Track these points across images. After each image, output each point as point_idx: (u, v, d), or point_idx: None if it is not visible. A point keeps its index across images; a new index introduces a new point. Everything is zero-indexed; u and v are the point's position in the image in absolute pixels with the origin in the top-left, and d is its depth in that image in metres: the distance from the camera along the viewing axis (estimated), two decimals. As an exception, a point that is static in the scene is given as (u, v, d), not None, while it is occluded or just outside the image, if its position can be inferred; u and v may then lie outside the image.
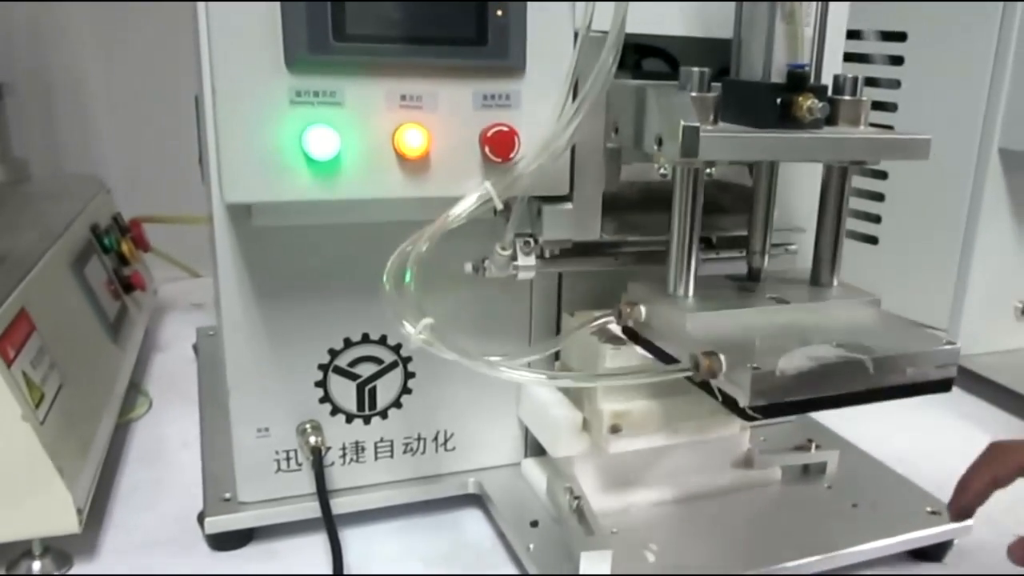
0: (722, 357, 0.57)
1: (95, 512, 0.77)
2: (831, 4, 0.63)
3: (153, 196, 1.41)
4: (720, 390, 0.58)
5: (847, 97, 0.63)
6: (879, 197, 1.20)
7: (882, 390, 0.59)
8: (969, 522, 0.75)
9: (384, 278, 0.60)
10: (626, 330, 0.69)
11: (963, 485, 0.66)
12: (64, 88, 1.47)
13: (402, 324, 0.60)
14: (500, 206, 0.62)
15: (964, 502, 0.66)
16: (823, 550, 0.71)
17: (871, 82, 1.16)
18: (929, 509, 0.77)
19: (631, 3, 0.59)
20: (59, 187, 1.26)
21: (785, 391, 0.56)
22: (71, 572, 0.71)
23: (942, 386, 0.61)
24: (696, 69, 0.60)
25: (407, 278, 0.61)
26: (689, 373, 0.59)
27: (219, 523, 0.73)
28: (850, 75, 0.63)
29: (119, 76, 1.47)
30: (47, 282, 0.84)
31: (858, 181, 1.19)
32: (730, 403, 0.58)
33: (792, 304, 0.66)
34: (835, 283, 0.70)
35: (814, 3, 0.61)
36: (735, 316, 0.64)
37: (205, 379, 1.04)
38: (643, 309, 0.66)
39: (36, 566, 0.70)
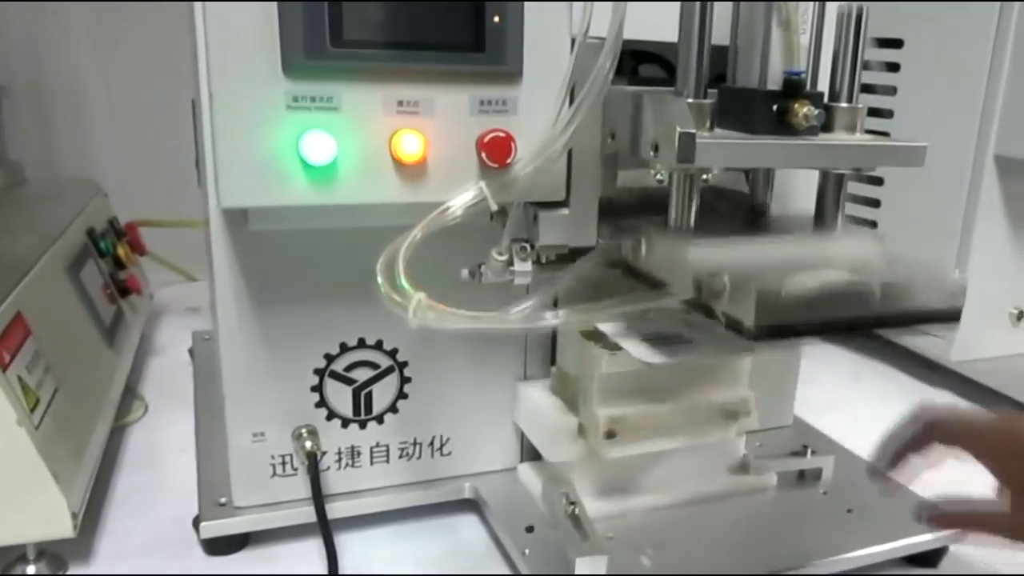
0: (725, 277, 0.56)
1: (90, 516, 0.77)
2: (827, 9, 0.63)
3: (149, 200, 1.41)
4: (724, 314, 0.57)
5: (843, 104, 0.63)
6: (875, 203, 1.20)
7: (888, 317, 0.58)
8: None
9: (377, 267, 0.60)
10: (626, 268, 0.67)
11: (882, 445, 0.65)
12: (61, 91, 1.47)
13: (397, 307, 0.59)
14: (495, 207, 0.62)
15: (878, 462, 0.64)
16: (818, 555, 0.71)
17: (867, 88, 1.16)
18: (924, 515, 0.77)
19: (629, 7, 0.58)
20: (55, 190, 1.26)
21: (790, 313, 0.55)
22: (65, 577, 0.71)
23: (949, 316, 0.59)
24: (692, 75, 0.60)
25: (400, 268, 0.60)
26: (692, 296, 0.58)
27: (214, 527, 0.73)
28: (847, 82, 0.64)
29: (116, 79, 1.47)
30: (43, 286, 0.84)
31: (854, 187, 1.19)
32: (734, 326, 0.56)
33: (796, 237, 0.65)
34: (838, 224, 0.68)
35: (811, 8, 0.61)
36: (738, 247, 0.63)
37: (201, 383, 1.04)
38: (643, 244, 0.65)
39: (31, 570, 0.70)
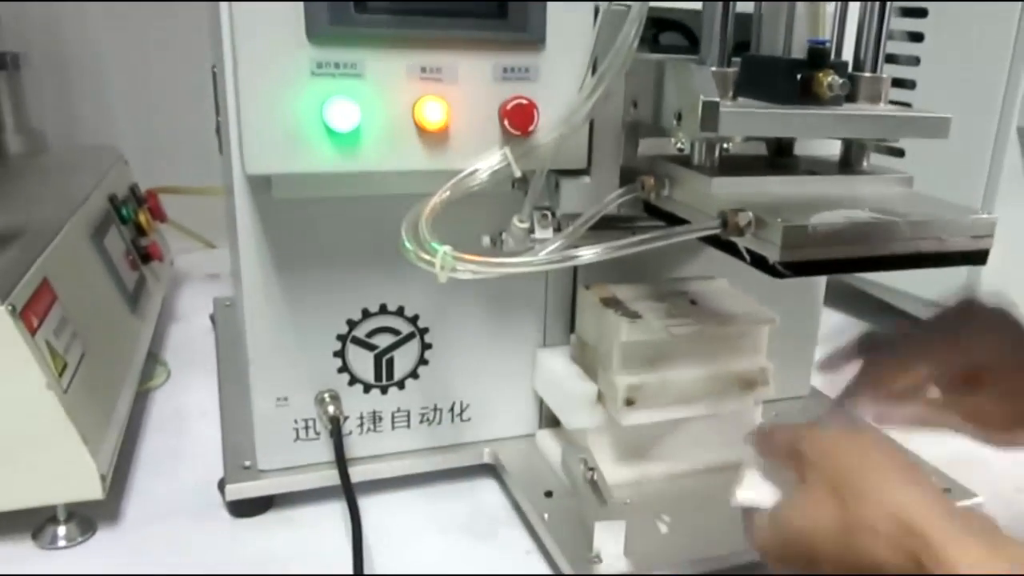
0: (750, 213, 0.55)
1: (117, 480, 0.78)
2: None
3: (168, 167, 1.41)
4: (748, 250, 0.57)
5: (867, 74, 0.63)
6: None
7: (916, 256, 0.57)
8: (979, 499, 0.76)
9: (402, 226, 0.60)
10: (647, 206, 0.67)
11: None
12: (79, 59, 1.48)
13: (424, 264, 0.58)
14: (518, 173, 0.63)
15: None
16: (834, 524, 0.72)
17: (890, 59, 1.15)
18: (940, 487, 0.77)
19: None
20: (76, 158, 1.27)
21: (817, 248, 0.54)
22: (95, 537, 0.72)
23: (977, 257, 0.59)
24: (716, 44, 0.60)
25: (425, 225, 0.59)
26: (716, 231, 0.57)
27: (239, 490, 0.74)
28: (871, 51, 0.63)
29: (134, 47, 1.47)
30: (68, 253, 0.85)
31: (875, 159, 1.18)
32: (759, 262, 0.56)
33: (822, 175, 0.65)
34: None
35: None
36: (763, 183, 0.62)
37: (223, 349, 1.05)
38: (667, 181, 0.65)
39: (61, 531, 0.71)
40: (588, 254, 0.59)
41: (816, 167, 0.68)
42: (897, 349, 0.65)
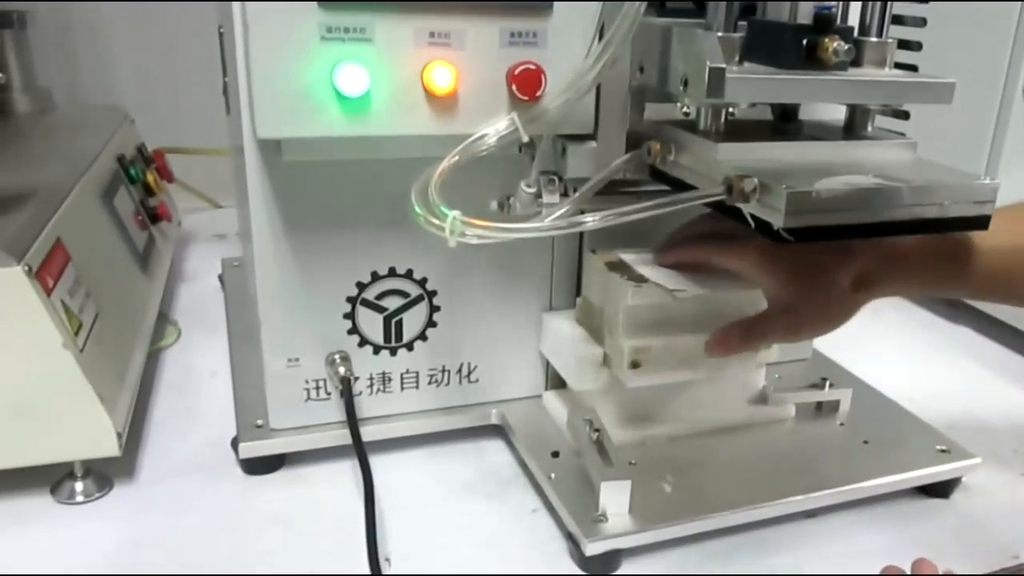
0: (756, 179, 0.56)
1: (132, 438, 0.79)
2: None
3: (173, 127, 1.42)
4: (753, 216, 0.58)
5: (873, 39, 0.63)
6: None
7: (919, 222, 0.58)
8: (977, 460, 0.77)
9: (412, 191, 0.60)
10: (653, 172, 0.68)
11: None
12: (85, 17, 1.47)
13: (433, 228, 0.59)
14: (525, 138, 0.63)
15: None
16: (834, 484, 0.73)
17: (897, 20, 1.15)
18: (939, 447, 0.79)
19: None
20: (84, 117, 1.27)
21: (821, 214, 0.55)
22: (111, 493, 0.74)
23: (979, 223, 0.60)
24: (722, 8, 0.60)
25: (434, 189, 0.60)
26: (721, 197, 0.58)
27: (252, 448, 0.76)
28: (877, 15, 0.63)
29: (140, 5, 1.47)
30: (79, 213, 0.86)
31: (880, 121, 1.18)
32: (764, 228, 0.57)
33: (827, 141, 0.66)
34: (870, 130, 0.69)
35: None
36: (768, 149, 0.63)
37: (232, 310, 1.06)
38: (673, 147, 0.65)
39: (79, 487, 0.73)
40: (593, 220, 0.60)
41: (821, 132, 0.68)
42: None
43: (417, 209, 0.60)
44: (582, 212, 0.61)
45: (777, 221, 0.55)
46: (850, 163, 0.63)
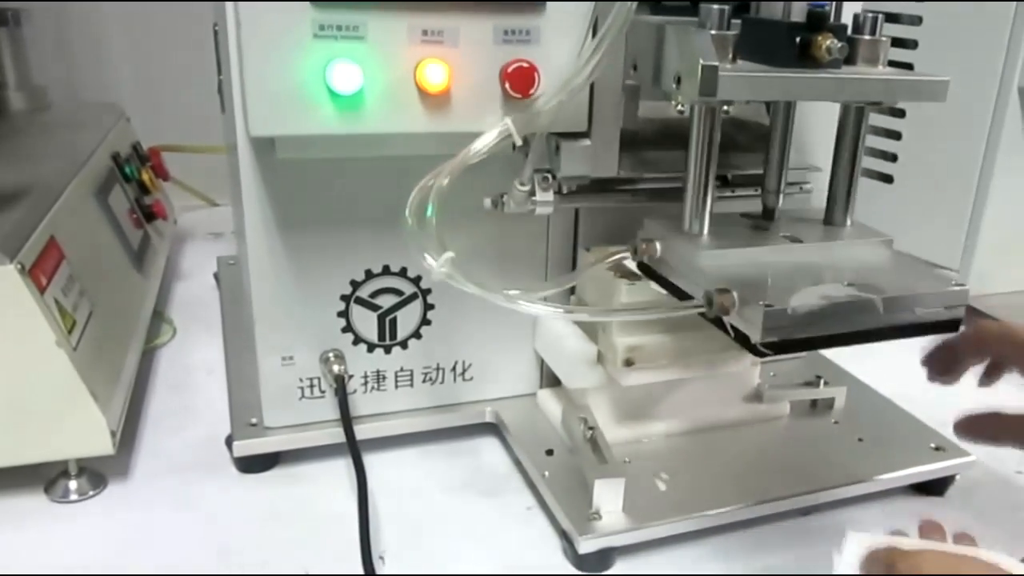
0: (735, 294, 0.58)
1: (126, 436, 0.79)
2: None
3: (169, 125, 1.41)
4: (732, 326, 0.59)
5: (866, 37, 0.63)
6: (896, 136, 1.19)
7: (891, 329, 0.60)
8: (972, 457, 0.77)
9: (406, 212, 0.62)
10: (641, 266, 0.70)
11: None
12: (80, 15, 1.47)
13: (424, 258, 0.62)
14: (519, 142, 0.63)
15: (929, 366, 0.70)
16: (828, 482, 0.74)
17: (892, 18, 1.15)
18: (933, 445, 0.79)
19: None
20: (79, 115, 1.27)
21: (796, 328, 0.57)
22: (105, 491, 0.74)
23: (950, 326, 0.62)
24: (716, 7, 0.60)
25: (429, 212, 0.62)
26: (703, 309, 0.60)
27: (247, 447, 0.76)
28: (870, 14, 0.63)
29: (136, 4, 1.47)
30: (73, 211, 0.86)
31: (875, 119, 1.18)
32: (742, 339, 0.59)
33: (805, 243, 0.67)
34: (848, 223, 0.70)
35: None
36: (748, 254, 0.65)
37: (228, 308, 1.06)
38: (658, 245, 0.67)
39: (72, 485, 0.73)
40: (572, 316, 0.64)
41: (800, 229, 0.69)
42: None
43: (410, 239, 0.62)
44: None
45: (755, 336, 0.57)
46: (827, 265, 0.65)
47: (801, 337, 0.58)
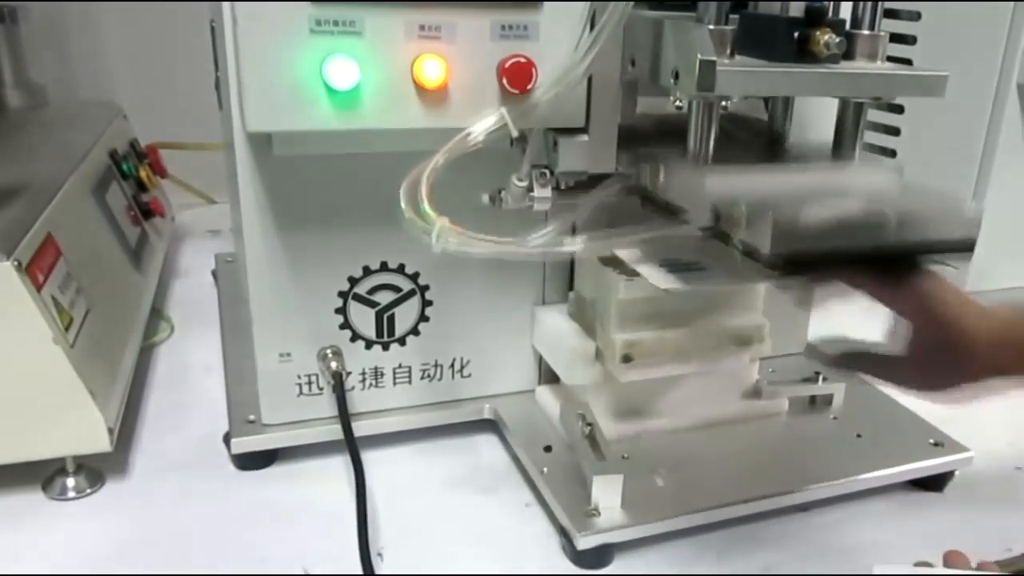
0: (743, 207, 0.56)
1: (124, 433, 0.79)
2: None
3: (166, 122, 1.41)
4: (741, 241, 0.57)
5: (865, 32, 0.63)
6: (894, 131, 1.19)
7: (903, 247, 0.58)
8: (970, 453, 0.77)
9: (401, 192, 0.60)
10: (643, 195, 0.68)
11: None
12: (77, 13, 1.47)
13: (420, 232, 0.60)
14: (515, 133, 0.63)
15: None
16: (827, 478, 0.74)
17: (891, 13, 1.14)
18: (932, 441, 0.79)
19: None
20: (76, 112, 1.27)
21: (807, 241, 0.55)
22: (103, 489, 0.74)
23: (964, 246, 0.59)
24: (714, 1, 0.59)
25: (423, 193, 0.60)
26: (709, 225, 0.58)
27: (245, 444, 0.76)
28: (869, 9, 0.63)
29: (132, 1, 1.46)
30: (70, 208, 0.86)
31: (873, 115, 1.18)
32: (751, 254, 0.57)
33: (814, 167, 0.66)
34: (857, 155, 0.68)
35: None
36: (756, 177, 0.63)
37: (226, 305, 1.06)
38: (662, 172, 0.65)
39: (70, 482, 0.73)
40: (580, 246, 0.61)
41: (808, 155, 0.68)
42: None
43: (405, 212, 0.60)
44: (573, 229, 0.62)
45: (764, 248, 0.55)
46: (837, 188, 0.63)
47: (812, 252, 0.56)
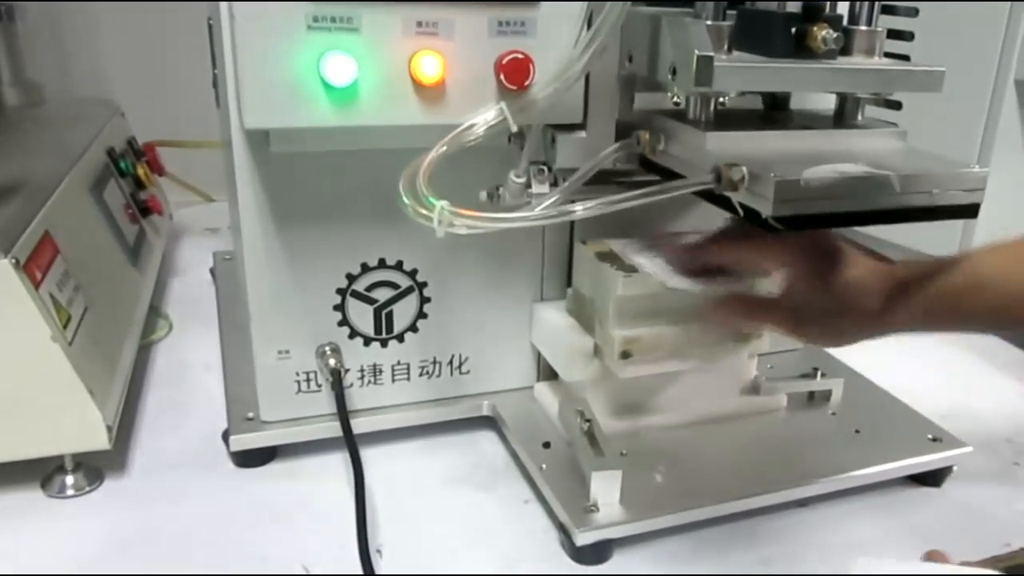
0: (744, 168, 0.56)
1: (123, 431, 0.79)
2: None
3: (165, 120, 1.41)
4: (742, 205, 0.57)
5: (862, 27, 0.63)
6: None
7: (908, 210, 0.58)
8: (968, 448, 0.77)
9: (400, 181, 0.60)
10: (643, 161, 0.68)
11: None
12: (75, 11, 1.47)
13: (422, 219, 0.59)
14: (515, 128, 0.63)
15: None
16: (826, 474, 0.74)
17: (889, 10, 1.14)
18: (930, 436, 0.79)
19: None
20: (74, 110, 1.27)
21: (809, 202, 0.55)
22: (102, 487, 0.74)
23: (969, 211, 0.60)
24: (712, -2, 0.60)
25: (422, 180, 0.60)
26: (710, 186, 0.57)
27: (243, 441, 0.76)
28: (866, 5, 0.63)
29: (130, -1, 1.46)
30: (68, 206, 0.86)
31: (872, 111, 1.18)
32: (752, 216, 0.57)
33: (816, 130, 0.65)
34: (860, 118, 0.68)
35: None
36: (758, 138, 0.63)
37: (224, 303, 1.06)
38: (662, 136, 0.65)
39: (69, 480, 0.73)
40: (583, 209, 0.59)
41: (811, 121, 0.68)
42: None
43: (405, 199, 0.59)
44: (572, 202, 0.61)
45: (766, 209, 0.55)
46: (839, 152, 0.62)
47: (814, 213, 0.55)
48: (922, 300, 0.64)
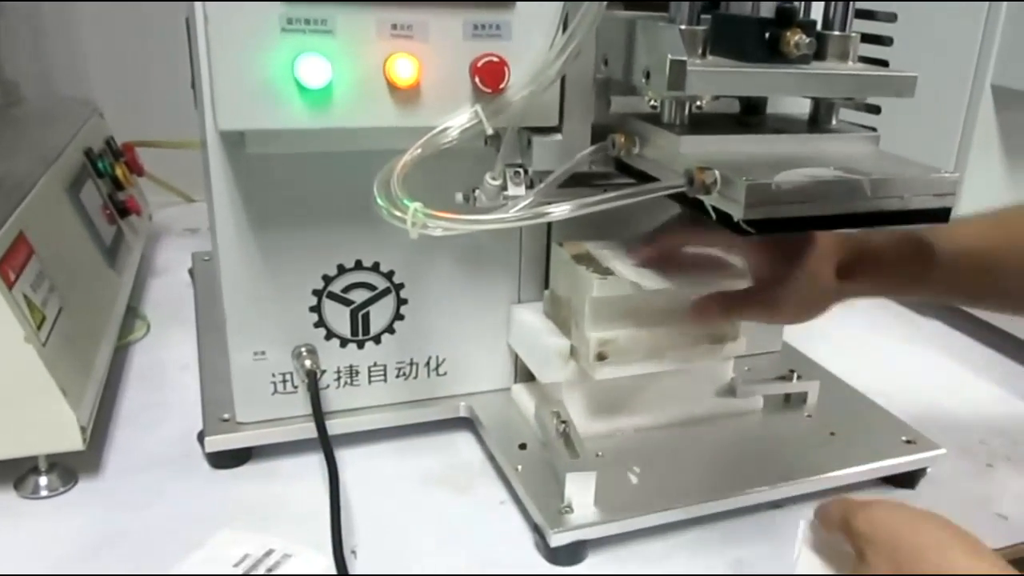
0: (716, 172, 0.56)
1: (98, 432, 0.79)
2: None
3: (144, 120, 1.40)
4: (714, 208, 0.57)
5: (836, 32, 0.64)
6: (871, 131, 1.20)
7: (879, 214, 0.58)
8: (942, 450, 0.78)
9: (375, 183, 0.60)
10: (619, 163, 0.68)
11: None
12: (53, 9, 1.46)
13: (396, 220, 0.59)
14: (490, 130, 0.63)
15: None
16: (800, 475, 0.74)
17: (868, 15, 1.15)
18: (904, 438, 0.79)
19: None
20: (51, 110, 1.26)
21: (781, 206, 0.55)
22: (76, 487, 0.74)
23: (939, 215, 0.60)
24: (686, 1, 0.60)
25: (396, 182, 0.60)
26: (683, 189, 0.58)
27: (218, 442, 0.75)
28: (840, 10, 0.64)
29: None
30: (44, 206, 0.85)
31: (851, 115, 1.19)
32: (724, 220, 0.57)
33: (790, 134, 0.66)
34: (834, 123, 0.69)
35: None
36: (732, 142, 0.63)
37: (202, 304, 1.06)
38: (637, 139, 0.65)
39: (43, 481, 0.72)
40: (558, 211, 0.60)
41: (785, 125, 0.68)
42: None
43: (379, 201, 0.59)
44: (548, 204, 0.61)
45: (737, 213, 0.55)
46: (812, 156, 0.63)
47: (785, 216, 0.56)
48: (878, 264, 0.70)
